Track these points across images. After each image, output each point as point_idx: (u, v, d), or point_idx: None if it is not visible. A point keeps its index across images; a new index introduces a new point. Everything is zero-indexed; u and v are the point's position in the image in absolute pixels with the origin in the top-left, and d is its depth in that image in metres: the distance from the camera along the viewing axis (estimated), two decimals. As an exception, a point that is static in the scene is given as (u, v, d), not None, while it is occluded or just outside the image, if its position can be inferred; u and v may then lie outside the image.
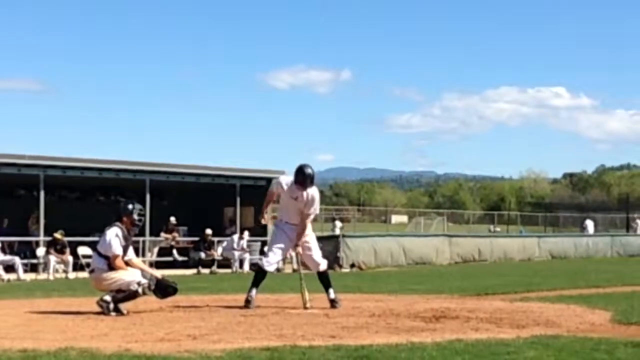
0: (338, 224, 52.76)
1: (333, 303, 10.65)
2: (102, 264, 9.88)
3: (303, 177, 10.68)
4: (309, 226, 11.01)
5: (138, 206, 10.31)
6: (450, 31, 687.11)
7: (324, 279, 10.87)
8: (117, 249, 9.80)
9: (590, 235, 40.69)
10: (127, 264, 9.97)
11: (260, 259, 11.15)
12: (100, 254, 9.96)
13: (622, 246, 37.83)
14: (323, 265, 10.91)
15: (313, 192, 10.78)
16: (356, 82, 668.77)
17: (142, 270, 10.11)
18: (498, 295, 13.30)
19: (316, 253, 10.91)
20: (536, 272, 21.86)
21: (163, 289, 10.04)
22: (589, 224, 45.81)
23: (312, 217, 10.99)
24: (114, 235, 9.84)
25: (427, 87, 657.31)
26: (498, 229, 55.16)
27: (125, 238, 9.96)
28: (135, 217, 10.15)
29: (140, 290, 9.74)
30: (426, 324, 8.74)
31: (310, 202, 10.72)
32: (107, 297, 9.72)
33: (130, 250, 10.22)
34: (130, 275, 9.79)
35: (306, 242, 10.85)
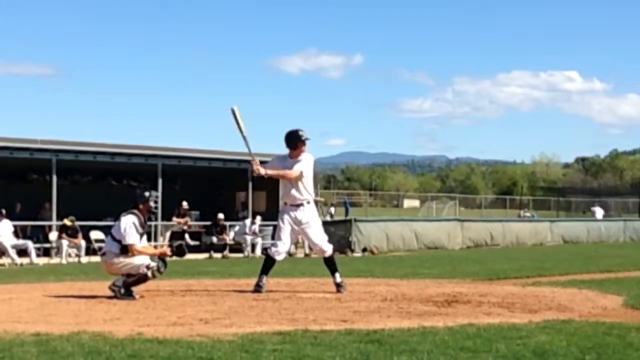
0: (332, 209, 52.05)
1: (339, 287, 10.61)
2: (114, 248, 9.89)
3: (297, 137, 10.56)
4: (314, 209, 10.85)
5: (155, 193, 10.33)
6: (462, 15, 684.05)
7: (330, 264, 10.81)
8: (134, 237, 9.79)
9: (602, 220, 40.58)
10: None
11: (270, 248, 11.03)
12: (114, 238, 9.97)
13: (634, 231, 37.73)
14: (329, 251, 10.82)
15: (304, 157, 10.57)
16: (368, 66, 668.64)
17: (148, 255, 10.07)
18: (510, 279, 13.29)
19: (322, 240, 10.78)
20: (548, 257, 21.83)
21: (180, 250, 10.30)
22: (598, 210, 45.65)
23: (288, 172, 10.42)
24: (130, 224, 9.82)
25: (439, 71, 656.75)
26: (528, 214, 53.87)
27: (142, 226, 9.97)
28: (152, 204, 10.17)
29: (149, 273, 9.76)
30: (438, 308, 8.74)
31: (298, 165, 10.49)
32: (119, 282, 9.76)
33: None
34: (140, 259, 9.80)
35: (310, 227, 10.67)
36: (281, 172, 10.50)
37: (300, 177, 10.47)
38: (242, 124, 10.50)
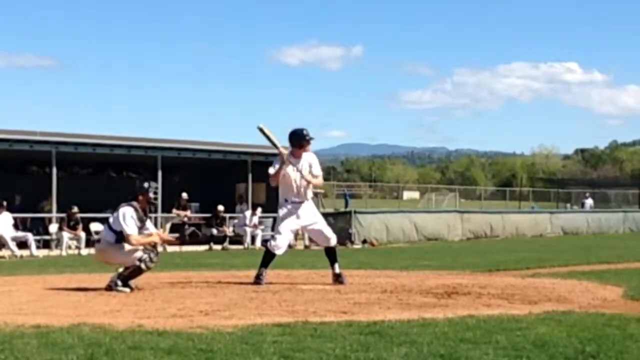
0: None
1: (338, 278, 10.62)
2: (110, 237, 9.88)
3: (301, 136, 10.63)
4: (313, 205, 10.89)
5: (154, 184, 10.29)
6: (462, 6, 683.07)
7: (331, 254, 10.83)
8: (132, 227, 9.75)
9: (603, 211, 40.55)
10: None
11: (270, 242, 11.00)
12: (110, 228, 9.95)
13: (634, 222, 37.77)
14: (333, 240, 10.85)
15: (309, 157, 10.68)
16: (367, 58, 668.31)
17: (144, 245, 9.98)
18: (510, 271, 13.29)
19: (325, 228, 10.83)
20: (548, 248, 21.85)
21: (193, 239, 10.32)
22: (587, 202, 45.53)
23: (320, 180, 10.80)
24: (129, 216, 9.77)
25: (439, 62, 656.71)
26: (576, 206, 52.55)
27: (141, 219, 9.92)
28: (151, 195, 10.14)
29: (143, 265, 9.70)
30: (438, 300, 8.74)
31: (311, 166, 10.60)
32: (114, 277, 9.72)
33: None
34: (132, 251, 9.75)
35: (314, 223, 10.73)
36: (314, 181, 10.66)
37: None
38: (272, 138, 10.81)
